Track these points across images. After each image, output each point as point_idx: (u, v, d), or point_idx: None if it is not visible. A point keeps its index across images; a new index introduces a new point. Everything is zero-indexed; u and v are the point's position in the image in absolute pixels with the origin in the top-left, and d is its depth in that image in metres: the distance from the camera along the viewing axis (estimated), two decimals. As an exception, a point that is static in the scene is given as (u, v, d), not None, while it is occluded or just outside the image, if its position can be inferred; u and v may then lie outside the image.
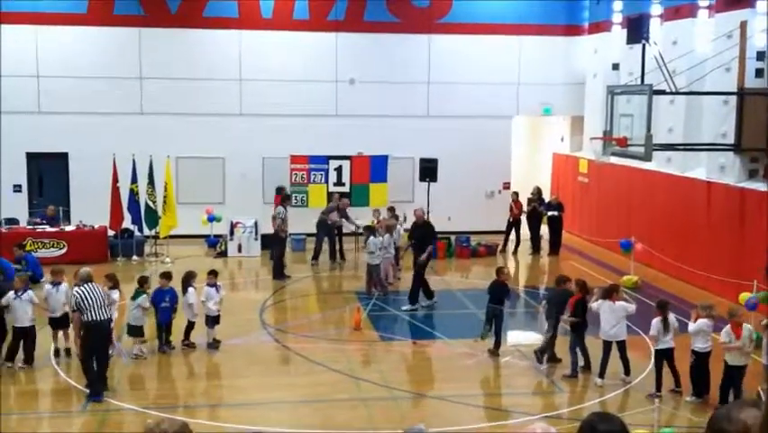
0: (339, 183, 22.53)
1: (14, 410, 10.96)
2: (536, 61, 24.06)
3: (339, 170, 22.57)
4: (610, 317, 12.01)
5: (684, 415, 10.86)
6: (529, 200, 22.50)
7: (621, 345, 12.06)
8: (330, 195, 21.92)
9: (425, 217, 17.85)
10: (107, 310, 11.45)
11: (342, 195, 21.69)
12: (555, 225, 22.08)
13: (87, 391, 11.32)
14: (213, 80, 22.81)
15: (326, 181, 22.42)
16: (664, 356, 11.53)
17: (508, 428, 10.31)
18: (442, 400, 11.52)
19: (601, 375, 11.99)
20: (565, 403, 11.66)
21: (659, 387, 11.47)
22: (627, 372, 12.07)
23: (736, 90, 16.31)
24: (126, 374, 12.41)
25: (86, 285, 11.30)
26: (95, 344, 11.28)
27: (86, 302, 11.10)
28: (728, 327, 11.00)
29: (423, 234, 16.75)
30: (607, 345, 12.02)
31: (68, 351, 12.92)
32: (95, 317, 11.12)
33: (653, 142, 15.77)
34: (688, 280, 17.63)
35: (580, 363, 12.46)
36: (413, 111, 23.57)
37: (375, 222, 19.56)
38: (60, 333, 12.99)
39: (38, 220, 20.91)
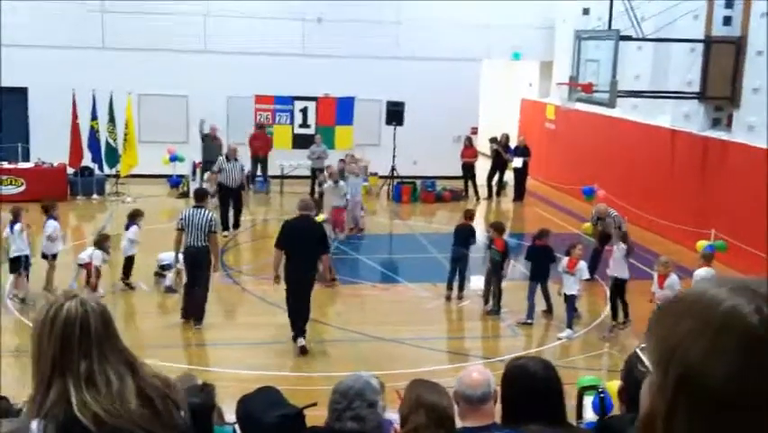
0: (304, 125, 22.28)
1: None
2: (507, 3, 23.50)
3: (305, 111, 22.28)
4: None
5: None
6: (494, 150, 22.34)
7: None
8: (296, 137, 21.74)
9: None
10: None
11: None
12: (521, 171, 22.05)
13: None
14: (176, 15, 22.16)
15: (292, 122, 22.15)
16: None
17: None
18: (400, 344, 11.54)
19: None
20: (521, 347, 11.77)
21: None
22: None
23: (703, 38, 16.23)
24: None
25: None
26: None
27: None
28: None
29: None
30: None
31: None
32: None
33: (619, 89, 15.72)
34: (647, 227, 17.72)
35: (543, 307, 12.64)
36: (381, 52, 23.13)
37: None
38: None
39: None
